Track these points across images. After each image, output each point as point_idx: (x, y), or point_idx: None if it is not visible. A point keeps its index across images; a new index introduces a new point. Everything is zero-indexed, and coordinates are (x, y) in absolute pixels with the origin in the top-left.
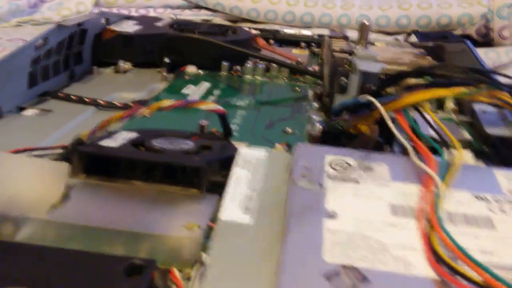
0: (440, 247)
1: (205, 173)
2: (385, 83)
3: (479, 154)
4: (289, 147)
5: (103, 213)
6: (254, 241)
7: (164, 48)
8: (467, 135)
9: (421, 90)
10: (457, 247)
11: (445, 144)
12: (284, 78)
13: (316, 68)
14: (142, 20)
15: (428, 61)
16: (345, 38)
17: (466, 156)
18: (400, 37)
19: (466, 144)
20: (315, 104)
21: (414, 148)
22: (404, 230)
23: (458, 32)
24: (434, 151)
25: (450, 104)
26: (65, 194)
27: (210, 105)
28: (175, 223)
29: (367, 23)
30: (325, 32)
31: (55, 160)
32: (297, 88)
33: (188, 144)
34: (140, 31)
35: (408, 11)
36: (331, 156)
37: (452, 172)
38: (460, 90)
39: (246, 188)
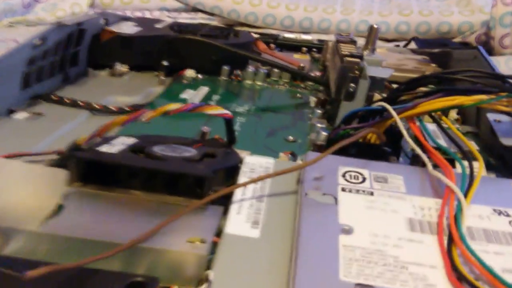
0: (462, 264)
1: (210, 183)
2: (401, 90)
3: (487, 166)
4: (293, 155)
5: (99, 225)
6: (262, 256)
7: (164, 51)
8: (474, 146)
9: (438, 98)
10: (482, 265)
11: (465, 155)
12: (285, 84)
13: (318, 73)
14: (141, 21)
15: (432, 68)
16: (353, 42)
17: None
18: (400, 44)
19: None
20: (318, 111)
21: (430, 159)
22: (423, 246)
23: (457, 39)
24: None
25: (453, 114)
26: (59, 204)
27: (218, 109)
28: (177, 237)
29: (376, 26)
30: (324, 37)
31: (50, 165)
32: (298, 94)
33: (191, 152)
34: (140, 32)
35: (409, 17)
36: (344, 167)
37: (475, 185)
38: (481, 98)
39: (252, 199)
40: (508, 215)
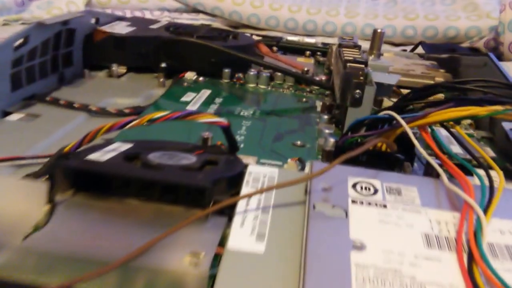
0: (484, 285)
1: (210, 193)
2: (409, 99)
3: (505, 173)
4: (301, 162)
5: (89, 239)
6: (268, 273)
7: (160, 52)
8: (490, 153)
9: (450, 107)
10: (505, 286)
11: (481, 165)
12: (290, 87)
13: (323, 78)
14: (136, 21)
15: (441, 73)
16: (357, 46)
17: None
18: (407, 49)
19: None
20: (325, 116)
21: (446, 171)
22: (441, 264)
23: (465, 45)
24: (465, 172)
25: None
26: (46, 215)
27: (211, 117)
28: (174, 253)
29: (380, 30)
30: (329, 40)
31: (36, 174)
32: (303, 98)
33: (190, 159)
34: (134, 32)
35: (415, 21)
36: (354, 178)
37: (496, 200)
38: (495, 108)
39: (257, 211)
40: None
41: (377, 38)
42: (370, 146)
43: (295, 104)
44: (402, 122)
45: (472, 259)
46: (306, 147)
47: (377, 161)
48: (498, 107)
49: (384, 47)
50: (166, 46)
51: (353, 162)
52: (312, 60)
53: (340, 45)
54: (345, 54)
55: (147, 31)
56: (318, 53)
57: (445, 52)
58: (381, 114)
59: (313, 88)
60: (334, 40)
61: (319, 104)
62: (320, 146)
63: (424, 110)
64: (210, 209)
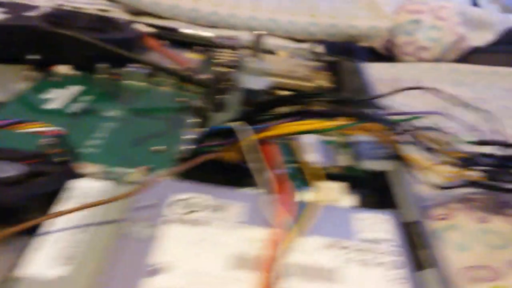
0: None
1: (21, 212)
2: (258, 109)
3: (356, 183)
4: (150, 171)
5: None
6: None
7: (32, 43)
8: (345, 161)
9: (295, 120)
10: None
11: (310, 177)
12: (171, 85)
13: (209, 76)
14: (12, 7)
15: (323, 76)
16: (233, 47)
17: (334, 189)
18: (310, 45)
19: (343, 171)
20: (193, 120)
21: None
22: (245, 285)
23: (364, 44)
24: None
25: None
26: None
27: (42, 126)
28: None
29: (262, 33)
30: (232, 33)
31: None
32: (183, 98)
33: (9, 171)
34: (3, 21)
35: (317, 18)
36: (180, 194)
37: (305, 216)
38: (340, 123)
39: (65, 232)
40: (341, 248)
41: (257, 40)
42: (203, 159)
43: (171, 104)
44: (238, 135)
45: (272, 279)
46: (166, 153)
47: (224, 173)
48: (343, 121)
49: (287, 43)
50: (37, 37)
51: (200, 174)
52: (202, 56)
53: (216, 45)
54: (217, 56)
55: (19, 20)
56: (211, 48)
57: (342, 51)
58: (227, 124)
59: (197, 88)
60: (239, 33)
61: (194, 106)
62: (178, 154)
63: (271, 121)
64: (11, 230)
